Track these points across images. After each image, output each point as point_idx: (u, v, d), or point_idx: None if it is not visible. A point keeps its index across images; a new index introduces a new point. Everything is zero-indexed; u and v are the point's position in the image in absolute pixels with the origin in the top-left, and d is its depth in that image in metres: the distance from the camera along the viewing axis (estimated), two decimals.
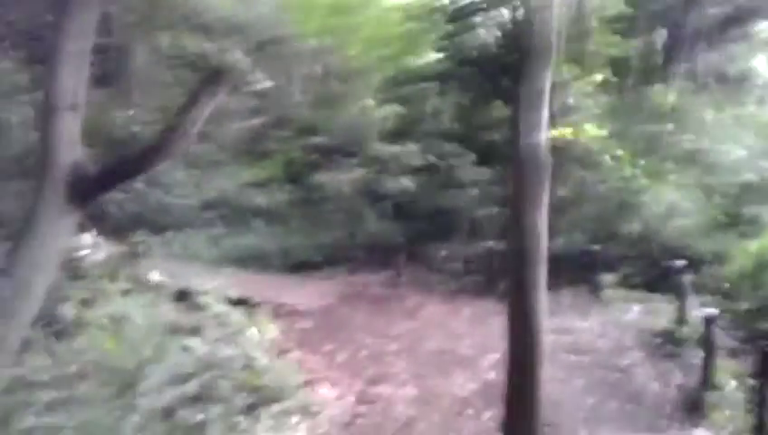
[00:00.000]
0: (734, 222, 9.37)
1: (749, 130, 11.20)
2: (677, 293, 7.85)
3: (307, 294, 11.12)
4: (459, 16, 15.79)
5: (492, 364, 7.48)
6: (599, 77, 12.65)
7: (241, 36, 13.76)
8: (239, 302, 9.22)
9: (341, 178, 14.20)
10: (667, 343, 7.58)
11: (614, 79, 13.54)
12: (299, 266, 12.86)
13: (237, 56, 6.75)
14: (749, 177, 9.51)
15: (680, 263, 7.98)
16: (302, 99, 15.89)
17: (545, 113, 5.37)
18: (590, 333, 8.41)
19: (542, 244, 5.37)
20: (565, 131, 9.90)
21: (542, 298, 5.39)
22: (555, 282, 10.91)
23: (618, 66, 14.17)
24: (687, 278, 7.82)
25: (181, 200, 13.22)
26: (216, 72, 6.37)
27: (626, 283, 9.72)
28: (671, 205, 10.11)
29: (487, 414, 6.31)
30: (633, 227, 10.44)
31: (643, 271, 9.69)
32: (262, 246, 13.51)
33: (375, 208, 13.89)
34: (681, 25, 15.31)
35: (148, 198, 12.18)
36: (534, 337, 5.37)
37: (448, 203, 13.11)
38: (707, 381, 5.89)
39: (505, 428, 5.44)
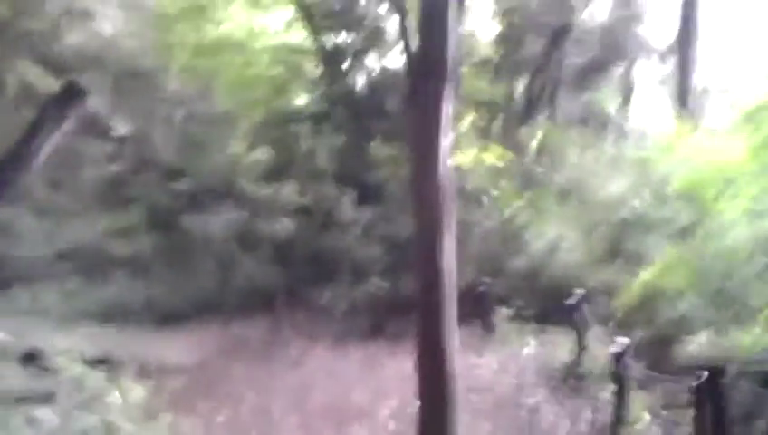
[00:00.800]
0: (616, 256, 9.44)
1: (618, 169, 11.54)
2: (577, 325, 7.64)
3: (178, 348, 10.05)
4: (331, 60, 15.77)
5: (391, 413, 6.90)
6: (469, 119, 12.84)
7: (97, 70, 12.74)
8: (100, 362, 8.12)
9: (212, 223, 13.30)
10: (570, 378, 7.33)
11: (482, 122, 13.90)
12: (167, 319, 11.72)
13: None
14: (624, 213, 9.69)
15: (578, 294, 7.79)
16: (165, 143, 14.94)
17: (448, 141, 4.97)
18: (488, 371, 8.04)
19: (453, 277, 4.92)
20: (467, 155, 9.73)
21: (455, 336, 4.93)
22: None
23: (485, 109, 14.54)
24: (585, 310, 7.64)
25: (30, 251, 11.85)
26: (59, 98, 5.52)
27: (519, 317, 9.49)
28: (554, 240, 10.11)
29: None
30: (520, 262, 10.32)
31: (535, 305, 9.52)
32: (124, 299, 12.29)
33: (250, 253, 13.04)
34: (544, 72, 15.87)
35: None
36: (447, 378, 4.89)
37: (329, 245, 12.54)
38: (621, 416, 5.59)
39: None
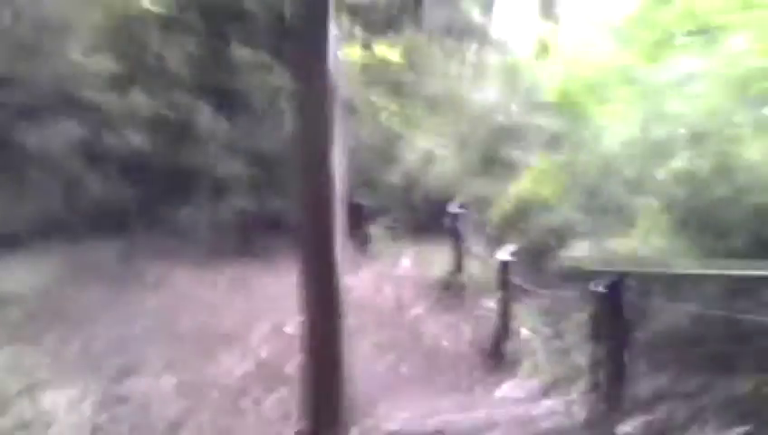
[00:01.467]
0: (490, 166, 9.31)
1: (486, 78, 11.36)
2: (454, 236, 7.44)
3: (17, 274, 8.95)
4: None
5: (263, 338, 6.44)
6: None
7: None
8: None
9: (50, 137, 11.87)
10: (449, 290, 7.17)
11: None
12: (1, 243, 10.46)
13: None
14: (501, 120, 9.48)
15: (455, 205, 7.56)
16: None
17: (332, 29, 4.34)
18: (364, 290, 7.72)
19: (340, 186, 4.42)
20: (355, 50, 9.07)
21: (340, 252, 4.47)
22: None
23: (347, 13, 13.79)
24: (462, 221, 7.43)
25: None
26: None
27: (394, 231, 9.20)
28: (428, 151, 9.82)
29: (269, 400, 5.25)
30: (394, 174, 9.97)
31: (410, 218, 9.26)
32: None
33: (98, 170, 11.78)
34: None
35: None
36: (335, 299, 4.46)
37: (186, 159, 11.54)
38: (506, 325, 5.44)
39: (308, 409, 4.44)
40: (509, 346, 5.47)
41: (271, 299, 7.54)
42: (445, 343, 6.07)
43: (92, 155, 11.75)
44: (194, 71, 12.52)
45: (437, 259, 8.10)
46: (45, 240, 10.57)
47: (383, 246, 9.03)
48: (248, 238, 9.81)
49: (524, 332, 5.63)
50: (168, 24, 13.53)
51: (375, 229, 9.30)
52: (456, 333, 6.19)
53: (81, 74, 12.60)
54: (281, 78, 11.23)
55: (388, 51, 12.67)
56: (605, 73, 7.54)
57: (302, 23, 4.34)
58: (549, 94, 8.88)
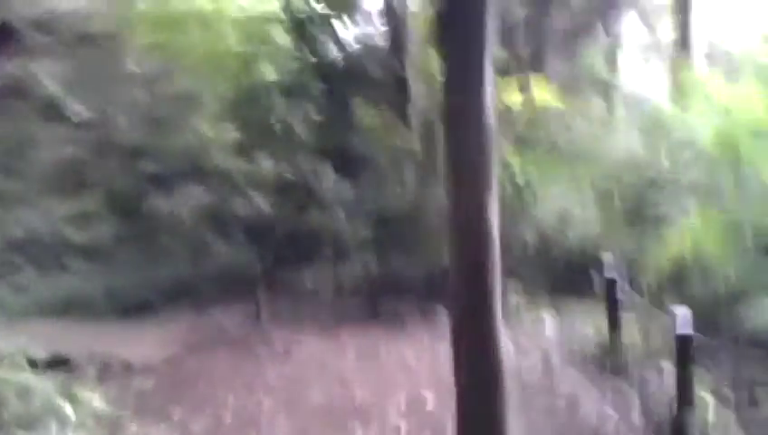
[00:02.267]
0: (637, 222, 8.47)
1: (627, 128, 10.60)
2: (609, 298, 6.61)
3: (145, 343, 8.90)
4: (301, 29, 14.59)
5: (400, 413, 5.84)
6: None
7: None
8: (54, 362, 7.00)
9: (179, 204, 12.09)
10: (604, 358, 6.34)
11: None
12: (132, 311, 10.56)
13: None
14: (646, 173, 8.66)
15: (608, 262, 6.75)
16: (128, 124, 13.82)
17: (490, 69, 3.86)
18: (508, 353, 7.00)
19: (497, 243, 3.88)
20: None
21: (500, 318, 3.91)
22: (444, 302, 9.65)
23: None
24: (618, 280, 6.60)
25: None
26: None
27: (531, 293, 8.44)
28: (566, 207, 9.10)
29: None
30: (527, 234, 9.29)
31: (546, 281, 8.50)
32: (82, 290, 11.20)
33: (224, 235, 11.82)
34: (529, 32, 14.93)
35: None
36: (497, 369, 3.87)
37: (309, 223, 11.37)
38: (685, 399, 4.58)
39: None
40: (695, 420, 4.58)
41: (404, 368, 7.00)
42: (612, 416, 5.26)
43: (218, 221, 11.83)
44: (316, 136, 12.50)
45: (584, 323, 7.30)
46: (172, 307, 10.60)
47: (521, 304, 8.27)
48: (374, 302, 9.35)
49: (706, 405, 4.74)
50: (290, 89, 13.73)
51: (510, 292, 8.56)
52: (622, 411, 5.35)
53: (208, 145, 12.92)
54: (403, 139, 10.97)
55: (545, 93, 12.05)
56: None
57: (457, 59, 3.87)
58: (703, 144, 8.04)
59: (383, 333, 8.41)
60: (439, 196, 10.08)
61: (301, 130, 12.72)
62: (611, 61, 17.51)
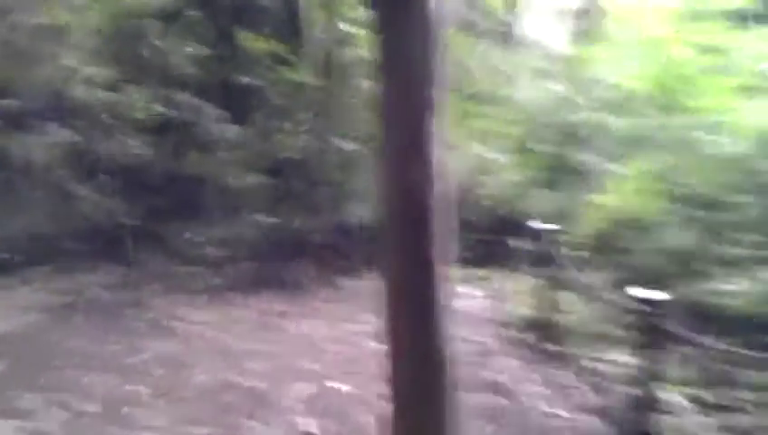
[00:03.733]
0: (560, 175, 7.78)
1: (534, 75, 9.90)
2: (542, 265, 5.87)
3: None
4: None
5: (304, 400, 4.92)
6: None
7: None
8: None
9: (36, 146, 10.43)
10: (543, 343, 5.62)
11: None
12: None
13: None
14: (568, 119, 7.93)
15: (540, 224, 5.99)
16: None
17: None
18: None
19: (447, 195, 3.00)
20: None
21: (447, 294, 3.06)
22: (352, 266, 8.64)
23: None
24: (548, 244, 5.85)
25: None
26: None
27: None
28: (481, 159, 8.32)
29: None
30: None
31: (464, 241, 7.69)
32: None
33: (89, 182, 10.26)
34: None
35: None
36: (441, 355, 3.04)
37: (189, 169, 10.01)
38: (649, 396, 3.92)
39: None
40: (665, 422, 3.93)
41: (308, 348, 6.04)
42: (558, 413, 4.55)
43: (83, 166, 10.26)
44: (198, 68, 11.03)
45: (515, 291, 6.59)
46: (30, 268, 9.10)
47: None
48: (269, 266, 8.27)
49: (677, 399, 4.12)
50: (167, 18, 12.13)
51: None
52: (569, 399, 4.67)
53: (74, 79, 11.18)
54: (297, 73, 9.75)
55: None
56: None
57: None
58: (627, 88, 7.43)
59: (281, 303, 7.43)
60: (336, 142, 9.15)
61: (179, 62, 11.24)
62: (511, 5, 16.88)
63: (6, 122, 10.64)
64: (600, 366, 4.87)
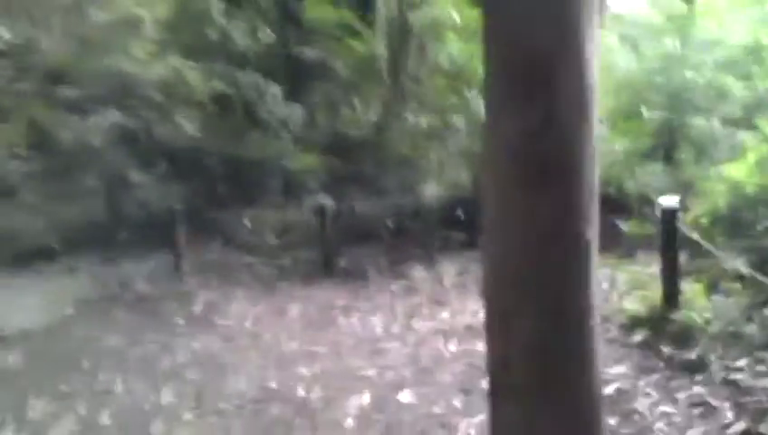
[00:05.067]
0: (673, 145, 6.45)
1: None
2: (664, 248, 4.53)
3: (29, 302, 6.75)
4: None
5: (360, 417, 3.85)
6: None
7: None
8: None
9: (92, 128, 9.86)
10: (661, 342, 4.31)
11: None
12: (27, 259, 8.41)
13: None
14: (684, 77, 6.55)
15: (670, 201, 4.63)
16: (53, 47, 11.55)
17: None
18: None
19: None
20: None
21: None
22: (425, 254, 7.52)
23: None
24: (672, 226, 4.52)
25: None
26: None
27: None
28: None
29: None
30: None
31: None
32: None
33: (146, 169, 9.57)
34: None
35: None
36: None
37: (250, 152, 9.15)
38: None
39: None
40: None
41: (371, 345, 4.99)
42: None
43: (137, 148, 9.59)
44: (262, 46, 10.19)
45: (628, 281, 5.29)
46: (78, 255, 8.46)
47: None
48: (329, 253, 7.26)
49: None
50: None
51: None
52: (705, 421, 3.41)
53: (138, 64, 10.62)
54: (367, 46, 8.74)
55: None
56: None
57: None
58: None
59: (340, 294, 6.40)
60: (410, 116, 8.07)
61: (242, 40, 10.46)
62: None
63: (66, 108, 10.19)
64: (742, 377, 3.59)
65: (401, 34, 8.10)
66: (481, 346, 4.46)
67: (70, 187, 9.72)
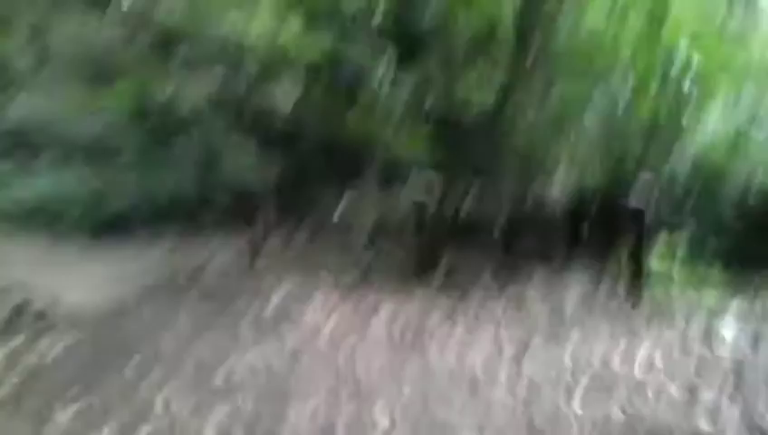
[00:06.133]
0: None
1: None
2: None
3: (94, 279, 6.13)
4: None
5: None
6: None
7: None
8: None
9: (199, 92, 9.22)
10: None
11: None
12: (106, 228, 7.92)
13: None
14: None
15: None
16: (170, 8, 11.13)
17: None
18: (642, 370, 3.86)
19: None
20: None
21: None
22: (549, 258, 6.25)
23: None
24: None
25: None
26: None
27: (697, 258, 5.09)
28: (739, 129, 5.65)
29: None
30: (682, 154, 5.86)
31: (723, 233, 5.13)
32: (57, 195, 8.69)
33: (245, 136, 8.79)
34: None
35: None
36: None
37: (349, 130, 8.12)
38: None
39: None
40: None
41: (469, 377, 3.91)
42: None
43: (237, 112, 8.83)
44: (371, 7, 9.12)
45: None
46: (158, 227, 7.84)
47: (669, 286, 4.93)
48: (431, 251, 6.13)
49: None
50: None
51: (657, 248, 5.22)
52: None
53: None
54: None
55: None
56: None
57: None
58: None
59: (435, 308, 5.28)
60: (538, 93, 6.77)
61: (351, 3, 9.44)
62: None
63: (183, 72, 9.65)
64: None
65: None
66: (617, 409, 3.32)
67: (166, 153, 9.18)
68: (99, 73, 10.24)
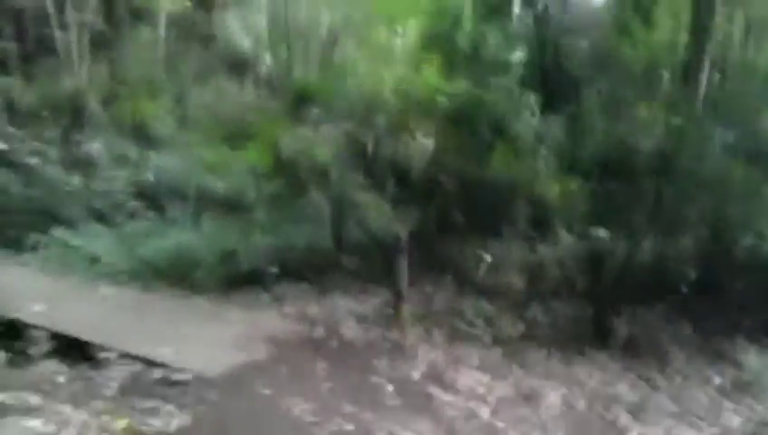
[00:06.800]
0: None
1: None
2: None
3: (218, 336, 5.60)
4: None
5: None
6: None
7: None
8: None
9: (326, 143, 8.98)
10: None
11: None
12: (239, 283, 7.52)
13: None
14: None
15: None
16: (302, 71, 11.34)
17: None
18: None
19: None
20: None
21: None
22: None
23: None
24: None
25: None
26: None
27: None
28: None
29: None
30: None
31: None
32: (191, 250, 8.44)
33: (372, 186, 8.29)
34: None
35: None
36: None
37: (491, 174, 7.38)
38: None
39: None
40: None
41: None
42: None
43: (368, 162, 8.37)
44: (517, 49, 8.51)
45: None
46: (294, 281, 7.38)
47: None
48: (604, 312, 5.14)
49: None
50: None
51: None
52: None
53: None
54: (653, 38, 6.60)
55: None
56: None
57: None
58: None
59: (622, 380, 4.31)
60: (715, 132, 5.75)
61: (495, 49, 8.87)
62: None
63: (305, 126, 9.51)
64: None
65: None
66: None
67: (300, 208, 8.88)
68: (235, 133, 10.35)
